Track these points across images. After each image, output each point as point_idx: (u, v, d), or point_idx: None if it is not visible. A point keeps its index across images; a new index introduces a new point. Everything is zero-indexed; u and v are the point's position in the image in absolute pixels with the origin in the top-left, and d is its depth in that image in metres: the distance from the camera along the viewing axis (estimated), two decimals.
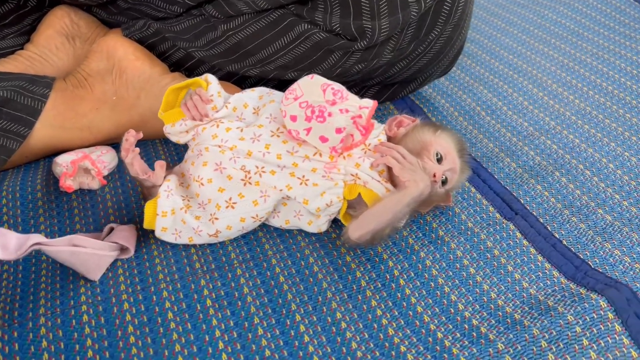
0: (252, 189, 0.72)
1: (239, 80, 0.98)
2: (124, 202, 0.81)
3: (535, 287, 0.69)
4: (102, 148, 0.87)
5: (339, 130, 0.71)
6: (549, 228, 0.78)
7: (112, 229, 0.74)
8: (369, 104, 0.72)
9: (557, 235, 0.76)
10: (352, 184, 0.73)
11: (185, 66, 0.98)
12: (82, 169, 0.83)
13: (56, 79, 0.90)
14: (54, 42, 0.98)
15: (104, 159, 0.84)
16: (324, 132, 0.71)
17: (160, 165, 0.73)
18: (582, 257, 0.73)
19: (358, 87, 0.99)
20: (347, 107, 0.71)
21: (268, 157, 0.72)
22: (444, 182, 0.75)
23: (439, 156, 0.75)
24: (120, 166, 0.87)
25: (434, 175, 0.73)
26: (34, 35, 0.99)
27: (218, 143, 0.73)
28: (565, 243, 0.75)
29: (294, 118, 0.71)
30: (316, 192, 0.72)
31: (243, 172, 0.72)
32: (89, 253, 0.68)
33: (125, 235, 0.72)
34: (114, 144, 0.91)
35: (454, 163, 0.75)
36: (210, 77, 0.78)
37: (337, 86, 0.72)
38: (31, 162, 0.89)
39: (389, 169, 0.75)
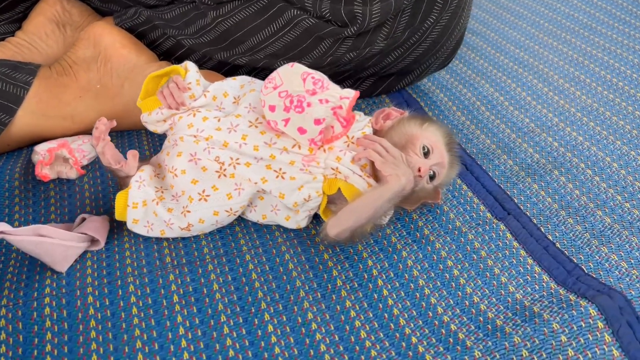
0: (227, 182, 0.69)
1: (230, 71, 0.96)
2: (102, 192, 0.79)
3: (521, 291, 0.65)
4: (84, 137, 0.86)
5: (317, 122, 0.67)
6: (542, 229, 0.73)
7: (84, 220, 0.72)
8: (350, 94, 0.68)
9: (550, 237, 0.72)
10: (332, 178, 0.70)
11: (175, 55, 0.96)
12: (61, 158, 0.81)
13: (41, 67, 0.88)
14: (44, 30, 0.97)
15: (83, 148, 0.82)
16: (302, 124, 0.67)
17: (132, 154, 0.70)
18: (575, 261, 0.69)
19: (352, 78, 0.96)
20: (327, 97, 0.67)
21: (244, 148, 0.69)
22: (431, 177, 0.71)
23: (425, 150, 0.71)
24: None
25: (419, 170, 0.69)
26: (24, 22, 0.98)
27: (193, 133, 0.71)
28: (558, 246, 0.71)
29: (272, 108, 0.68)
30: (293, 186, 0.69)
31: (217, 164, 0.69)
32: (55, 244, 0.66)
33: (95, 226, 0.70)
34: None
35: (442, 157, 0.71)
36: (190, 65, 0.76)
37: (318, 75, 0.69)
38: (13, 150, 0.87)
39: (372, 163, 0.71)
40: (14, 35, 0.97)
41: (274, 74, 0.69)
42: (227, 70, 0.96)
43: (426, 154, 0.71)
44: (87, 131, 0.88)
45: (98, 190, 0.80)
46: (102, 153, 0.70)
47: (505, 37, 1.18)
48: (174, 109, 0.72)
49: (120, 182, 0.73)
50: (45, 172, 0.78)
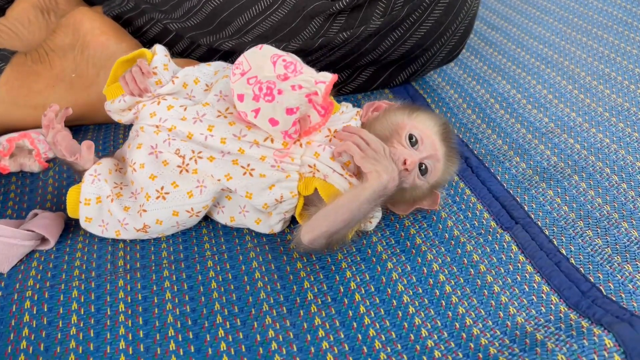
0: (188, 178, 0.61)
1: (221, 60, 0.89)
2: (66, 187, 0.72)
3: (524, 314, 0.55)
4: None
5: (290, 111, 0.59)
6: (555, 242, 0.63)
7: (36, 216, 0.65)
8: (327, 77, 0.59)
9: (564, 252, 0.61)
10: (309, 177, 0.61)
11: (162, 43, 0.89)
12: (26, 150, 0.74)
13: (16, 53, 0.82)
14: (27, 15, 0.92)
15: None
16: (273, 114, 0.59)
17: (86, 146, 0.63)
18: (592, 280, 0.58)
19: (350, 68, 0.87)
20: (300, 83, 0.59)
21: (210, 140, 0.61)
22: (423, 172, 0.61)
23: (413, 139, 0.61)
24: None
25: (405, 162, 0.59)
26: (8, 8, 0.93)
27: (155, 122, 0.63)
28: (573, 261, 0.60)
29: (241, 97, 0.60)
30: (263, 184, 0.60)
31: (178, 157, 0.61)
32: None
33: (45, 223, 0.63)
34: (71, 126, 0.82)
35: (434, 149, 0.62)
36: (158, 48, 0.68)
37: (290, 58, 0.60)
38: None
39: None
40: None
41: (241, 58, 0.61)
42: (216, 60, 0.89)
43: (414, 144, 0.61)
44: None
45: (62, 185, 0.73)
46: (53, 143, 0.63)
47: (529, 33, 1.07)
48: (137, 95, 0.65)
49: (78, 178, 0.66)
50: (4, 163, 0.72)
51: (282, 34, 0.80)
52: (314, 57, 0.83)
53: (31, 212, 0.65)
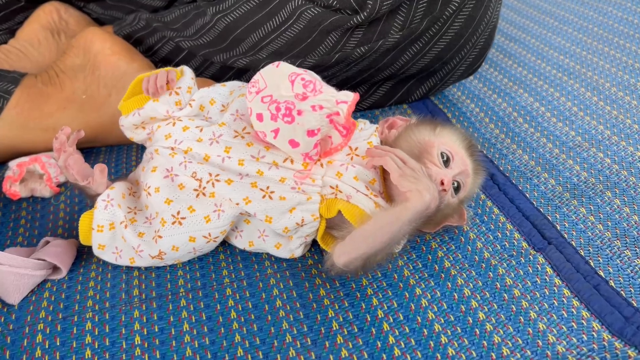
0: (206, 202, 0.58)
1: (233, 78, 0.87)
2: (78, 213, 0.70)
3: (565, 342, 0.51)
4: None
5: (311, 133, 0.56)
6: (591, 263, 0.59)
7: (48, 243, 0.63)
8: (349, 97, 0.57)
9: (602, 274, 0.58)
10: (331, 198, 0.58)
11: (174, 61, 0.88)
12: (37, 175, 0.72)
13: (26, 75, 0.81)
14: (37, 37, 0.90)
15: None
16: (293, 135, 0.56)
17: (99, 169, 0.61)
18: (635, 304, 0.54)
19: (367, 83, 0.85)
20: (320, 103, 0.56)
21: (228, 162, 0.59)
22: (456, 190, 0.59)
23: (444, 158, 0.59)
24: None
25: (442, 183, 0.57)
26: (19, 29, 0.92)
27: (171, 144, 0.61)
28: (612, 284, 0.57)
29: (259, 117, 0.58)
30: (283, 207, 0.57)
31: (195, 181, 0.59)
32: (4, 271, 0.56)
33: (57, 251, 0.60)
34: (83, 148, 0.80)
35: (465, 164, 0.59)
36: (186, 70, 0.66)
37: (310, 76, 0.58)
38: None
39: (383, 179, 0.59)
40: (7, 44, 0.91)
41: (257, 76, 0.59)
42: (230, 77, 0.87)
43: (446, 162, 0.59)
44: None
45: (74, 211, 0.70)
46: (65, 167, 0.60)
47: (548, 44, 1.04)
48: (151, 93, 0.62)
49: (91, 203, 0.64)
50: (14, 189, 0.70)
51: (297, 49, 0.78)
52: (330, 73, 0.80)
53: (42, 239, 0.63)
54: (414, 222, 0.54)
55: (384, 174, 0.59)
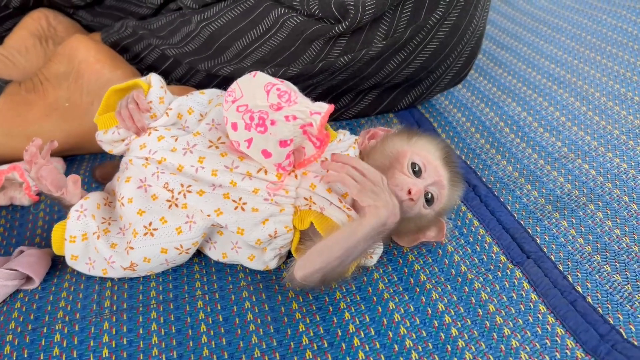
0: (178, 213, 0.58)
1: (219, 86, 0.87)
2: (57, 222, 0.69)
3: (537, 359, 0.51)
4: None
5: (284, 143, 0.55)
6: (570, 278, 0.58)
7: (22, 253, 0.62)
8: (323, 108, 0.56)
9: (580, 289, 0.57)
10: (305, 210, 0.58)
11: (159, 69, 0.87)
12: (17, 183, 0.72)
13: (10, 83, 0.81)
14: (25, 44, 0.90)
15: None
16: (265, 145, 0.56)
17: (72, 180, 0.60)
18: (612, 321, 0.53)
19: (352, 92, 0.84)
20: (294, 114, 0.56)
21: (201, 172, 0.58)
22: (429, 201, 0.58)
23: (416, 168, 0.58)
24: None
25: (410, 192, 0.56)
26: (7, 36, 0.92)
27: (145, 154, 0.60)
28: (590, 300, 0.56)
29: (234, 126, 0.57)
30: (256, 219, 0.57)
31: (168, 192, 0.58)
32: None
33: (30, 261, 0.60)
34: (66, 156, 0.80)
35: (438, 175, 0.58)
36: (154, 79, 0.66)
37: (285, 86, 0.57)
38: None
39: None
40: None
41: (233, 85, 0.58)
42: (215, 86, 0.86)
43: (417, 172, 0.58)
44: (56, 153, 0.80)
45: (53, 220, 0.70)
46: (37, 179, 0.60)
47: (540, 52, 1.03)
48: (134, 132, 0.62)
49: (67, 213, 0.64)
50: None
51: (281, 58, 0.77)
52: (314, 81, 0.80)
53: (17, 249, 0.63)
54: (370, 239, 0.53)
55: None
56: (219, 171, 0.58)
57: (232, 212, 0.57)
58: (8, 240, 0.67)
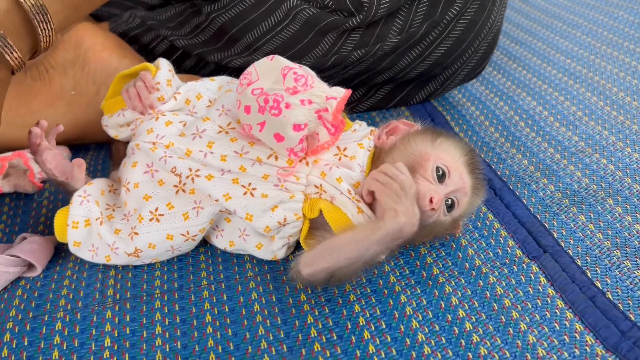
0: (185, 199, 0.56)
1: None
2: None
3: (555, 357, 0.48)
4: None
5: (297, 127, 0.54)
6: (588, 273, 0.56)
7: (24, 240, 0.61)
8: (339, 93, 0.55)
9: (599, 285, 0.55)
10: (315, 198, 0.56)
11: (169, 61, 0.86)
12: (21, 170, 0.71)
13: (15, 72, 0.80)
14: None
15: None
16: (278, 129, 0.54)
17: (77, 164, 0.59)
18: (633, 318, 0.51)
19: (365, 86, 0.82)
20: (310, 98, 0.54)
21: (210, 158, 0.57)
22: (449, 207, 0.56)
23: (439, 172, 0.55)
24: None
25: (431, 201, 0.53)
26: None
27: (152, 139, 0.59)
28: (610, 296, 0.54)
29: (247, 109, 0.55)
30: (265, 205, 0.55)
31: (175, 176, 0.57)
32: None
33: (32, 248, 0.59)
34: (72, 145, 0.79)
35: (462, 182, 0.56)
36: (162, 62, 0.65)
37: (303, 71, 0.56)
38: None
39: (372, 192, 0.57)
40: None
41: (250, 68, 0.57)
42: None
43: (441, 177, 0.55)
44: (61, 142, 0.78)
45: (57, 207, 0.67)
46: (41, 162, 0.59)
47: (555, 47, 1.01)
48: (140, 112, 0.61)
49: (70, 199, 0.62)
50: None
51: (293, 51, 0.76)
52: (326, 75, 0.78)
53: (20, 235, 0.61)
54: (384, 244, 0.51)
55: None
56: (228, 156, 0.57)
57: (241, 198, 0.55)
58: (11, 228, 0.66)
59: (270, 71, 0.56)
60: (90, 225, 0.57)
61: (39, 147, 0.58)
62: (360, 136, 0.60)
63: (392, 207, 0.51)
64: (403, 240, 0.52)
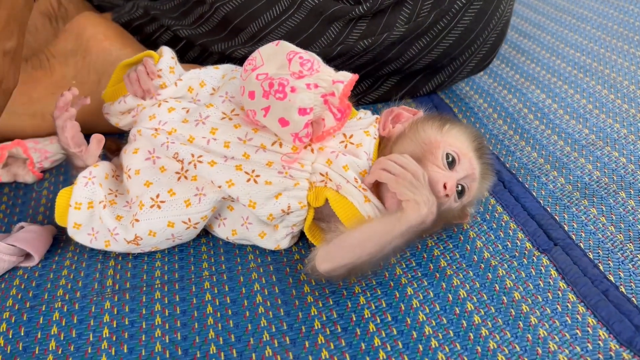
0: (187, 185, 0.55)
1: None
2: None
3: (567, 351, 0.47)
4: (54, 137, 0.74)
5: (303, 111, 0.52)
6: (601, 267, 0.54)
7: (22, 229, 0.60)
8: (346, 77, 0.53)
9: (612, 278, 0.53)
10: (320, 186, 0.55)
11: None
12: (21, 160, 0.70)
13: None
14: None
15: (48, 149, 0.71)
16: (283, 113, 0.53)
17: (97, 139, 0.58)
18: None
19: (371, 77, 0.81)
20: (316, 82, 0.52)
21: (213, 144, 0.55)
22: (460, 193, 0.54)
23: (449, 159, 0.54)
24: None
25: (445, 187, 0.52)
26: None
27: (154, 125, 0.58)
28: (623, 290, 0.52)
29: (252, 95, 0.54)
30: (268, 192, 0.54)
31: (177, 162, 0.56)
32: None
33: (29, 237, 0.57)
34: None
35: (472, 168, 0.55)
36: (165, 50, 0.64)
37: (309, 55, 0.54)
38: None
39: (377, 185, 0.55)
40: None
41: (255, 54, 0.56)
42: None
43: (451, 163, 0.54)
44: None
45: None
46: (61, 128, 0.58)
47: (564, 41, 0.99)
48: (139, 97, 0.60)
49: (75, 175, 0.60)
50: None
51: (298, 40, 0.74)
52: (332, 65, 0.76)
53: (17, 225, 0.60)
54: (407, 236, 0.50)
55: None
56: (231, 143, 0.55)
57: (244, 184, 0.54)
58: (10, 218, 0.65)
59: (275, 56, 0.55)
60: (93, 208, 0.56)
61: (65, 112, 0.57)
62: (366, 124, 0.59)
63: (412, 198, 0.50)
64: (424, 230, 0.51)
